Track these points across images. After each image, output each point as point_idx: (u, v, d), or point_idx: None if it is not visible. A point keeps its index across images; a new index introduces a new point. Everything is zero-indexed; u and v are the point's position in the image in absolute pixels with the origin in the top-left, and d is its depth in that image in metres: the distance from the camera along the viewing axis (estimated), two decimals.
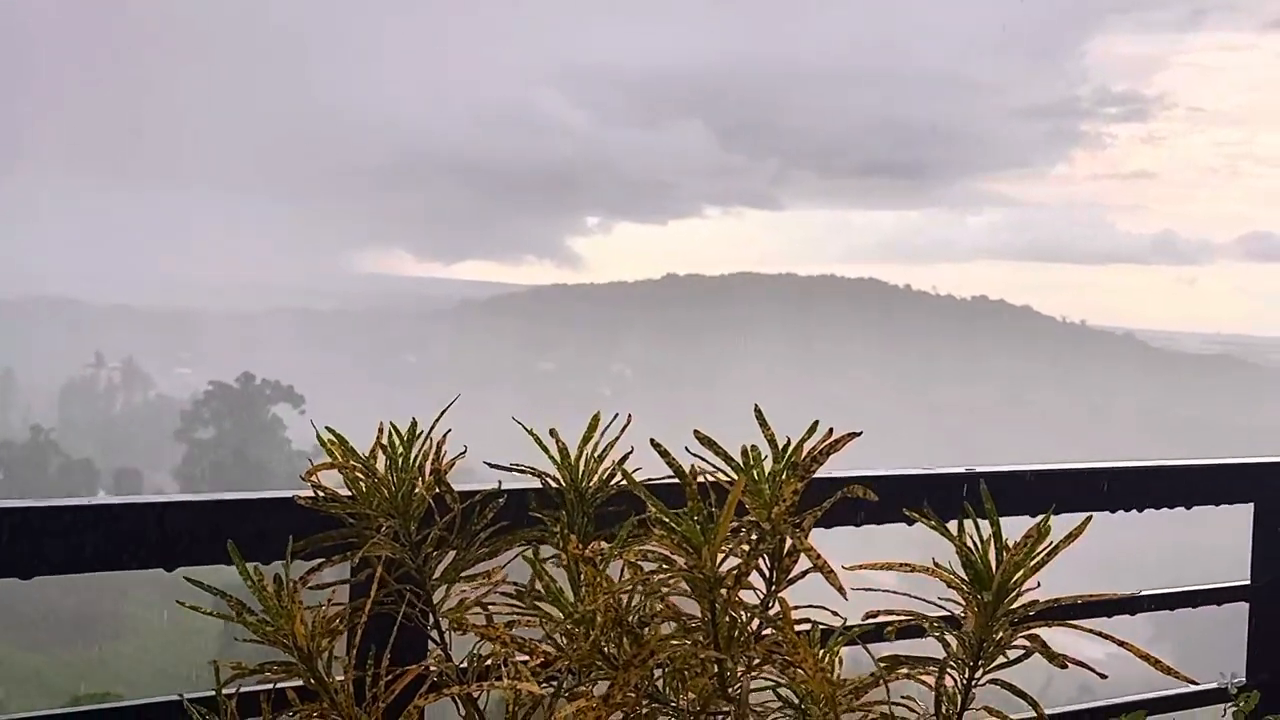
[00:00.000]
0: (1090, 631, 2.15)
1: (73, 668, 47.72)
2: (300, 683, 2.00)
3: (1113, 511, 3.29)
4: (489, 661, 2.15)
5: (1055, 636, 2.04)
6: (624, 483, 2.32)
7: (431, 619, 2.25)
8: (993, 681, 2.05)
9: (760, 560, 1.98)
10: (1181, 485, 3.60)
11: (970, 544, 1.98)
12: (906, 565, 2.10)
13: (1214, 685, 3.58)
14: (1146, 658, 2.08)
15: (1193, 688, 3.56)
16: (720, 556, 1.89)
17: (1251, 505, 3.72)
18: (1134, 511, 3.42)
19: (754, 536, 1.98)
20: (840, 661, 2.02)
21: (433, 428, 2.25)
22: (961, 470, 3.10)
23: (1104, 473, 3.46)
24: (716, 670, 1.93)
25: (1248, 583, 3.71)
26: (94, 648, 50.02)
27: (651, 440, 2.12)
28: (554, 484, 2.32)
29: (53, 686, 44.52)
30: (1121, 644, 2.12)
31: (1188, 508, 3.58)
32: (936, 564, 2.02)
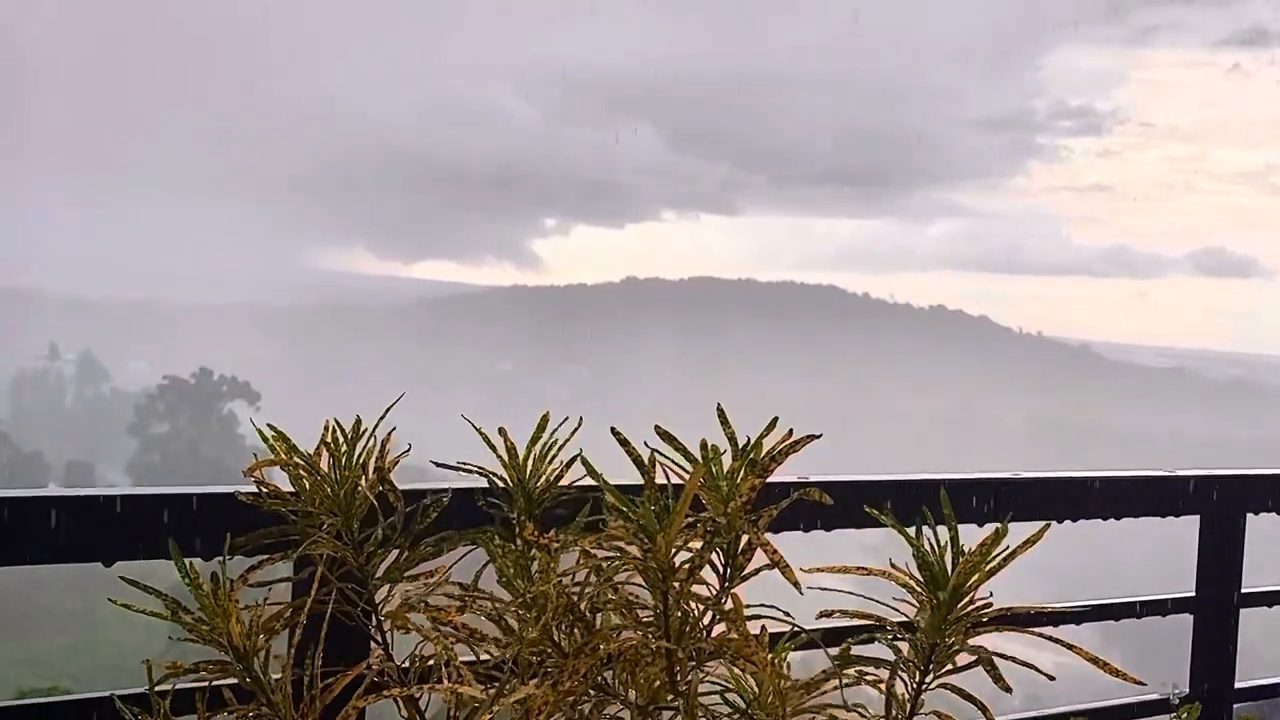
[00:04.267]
0: (1042, 637, 2.16)
1: (17, 662, 47.29)
2: (236, 682, 1.97)
3: (1060, 521, 3.30)
4: (430, 662, 2.13)
5: (1006, 645, 2.04)
6: (572, 484, 2.32)
7: (374, 619, 2.23)
8: (942, 686, 2.05)
9: (715, 556, 1.97)
10: (1128, 497, 3.63)
11: (928, 547, 1.98)
12: (863, 569, 2.10)
13: (1157, 696, 3.61)
14: (1095, 661, 2.08)
15: (1136, 699, 3.58)
16: (675, 549, 1.88)
17: (1197, 518, 3.75)
18: (1080, 521, 3.43)
19: (709, 531, 1.97)
20: (789, 665, 2.02)
21: (377, 425, 2.23)
22: (920, 477, 3.11)
23: (1052, 482, 3.47)
24: (666, 662, 1.92)
25: (1192, 594, 3.73)
26: (39, 642, 49.58)
27: (612, 429, 2.11)
28: (501, 483, 2.30)
29: None
30: (1070, 646, 2.12)
31: (1135, 518, 3.60)
32: (894, 565, 2.02)
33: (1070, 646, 2.11)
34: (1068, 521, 3.38)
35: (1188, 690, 3.67)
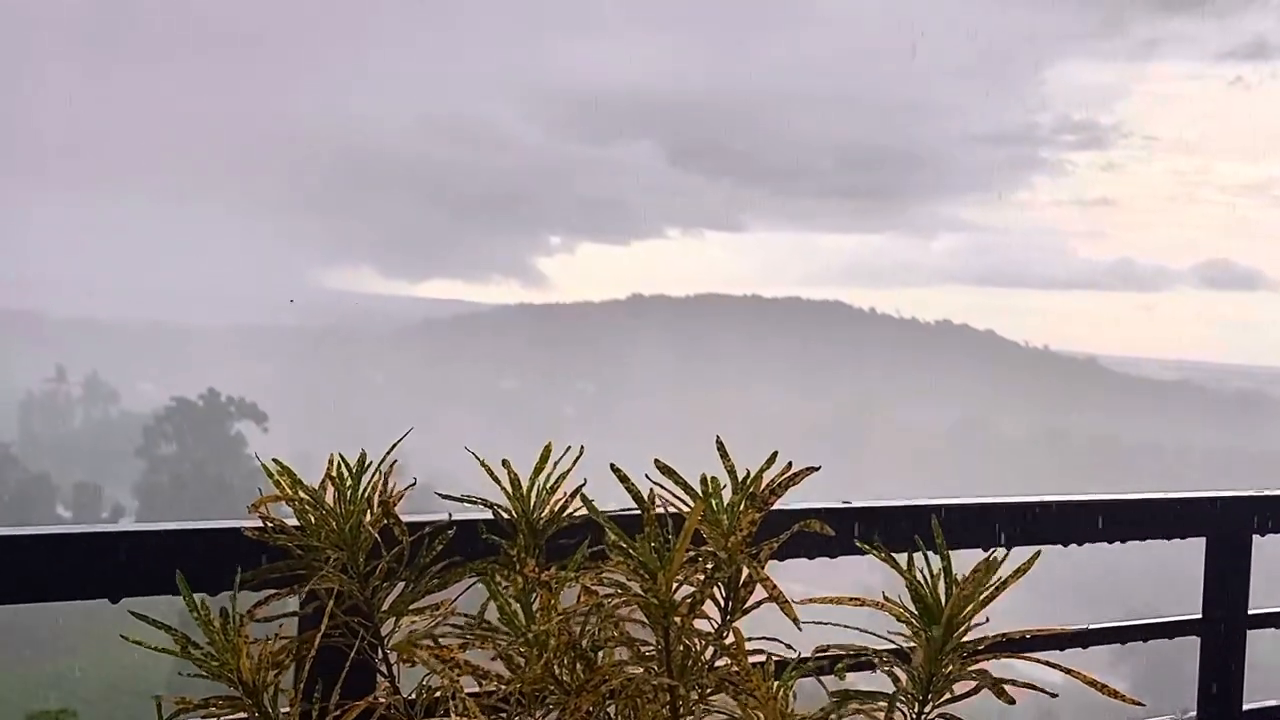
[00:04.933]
0: (1043, 663, 2.16)
1: (27, 684, 47.25)
2: (246, 716, 1.99)
3: (1064, 545, 3.31)
4: (438, 694, 2.14)
5: (1012, 666, 2.05)
6: (576, 515, 2.33)
7: (380, 652, 2.24)
8: (942, 715, 2.06)
9: (716, 590, 1.98)
10: (1135, 519, 3.62)
11: (921, 577, 1.99)
12: (856, 600, 2.10)
13: (1167, 718, 3.60)
14: (1094, 684, 2.09)
15: (1147, 719, 3.58)
16: (675, 584, 1.88)
17: (1204, 539, 3.74)
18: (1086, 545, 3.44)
19: (710, 565, 1.98)
20: (795, 696, 2.02)
21: (383, 459, 2.24)
22: (915, 502, 3.11)
23: (1056, 505, 3.47)
24: (669, 698, 1.93)
25: (1199, 616, 3.73)
26: (52, 662, 49.55)
27: (611, 465, 2.12)
28: (505, 515, 2.31)
29: (5, 702, 44.07)
30: (1068, 672, 2.12)
31: (1142, 541, 3.60)
32: (886, 597, 2.03)
33: (1069, 671, 2.12)
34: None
35: (1195, 713, 3.66)
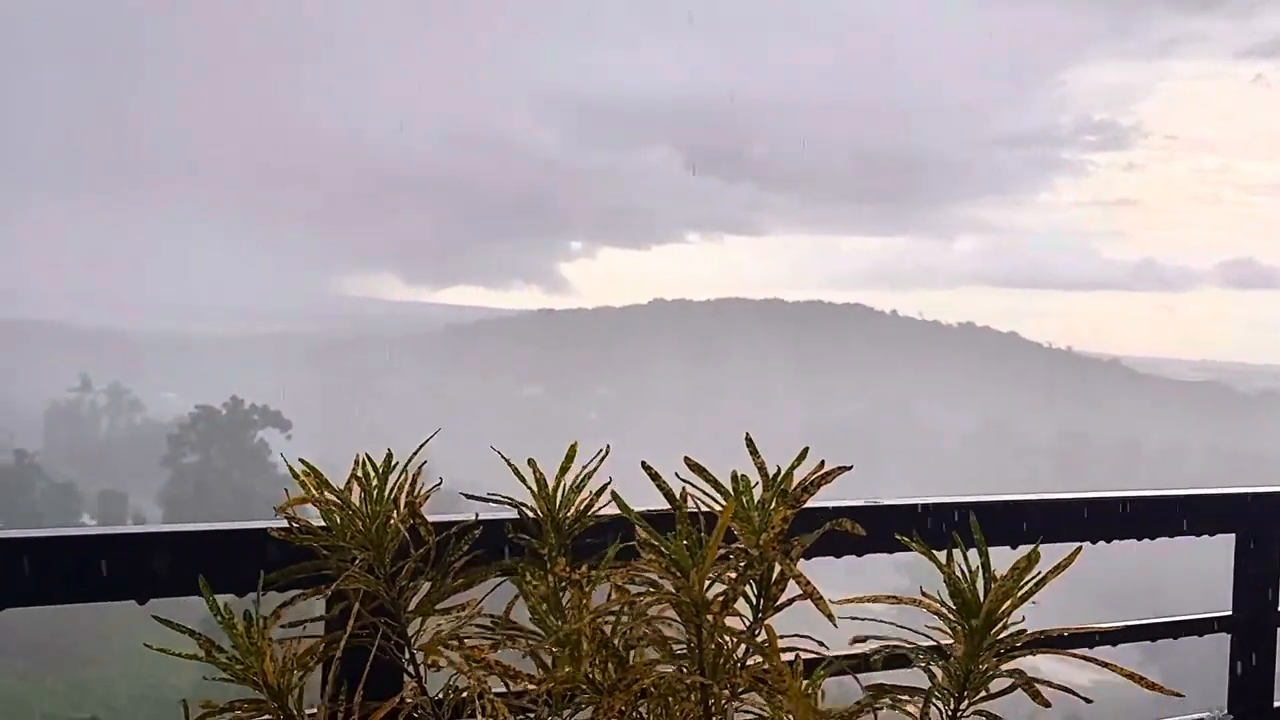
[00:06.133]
0: (1078, 657, 2.14)
1: (55, 693, 47.45)
2: (271, 718, 1.98)
3: (1093, 542, 3.28)
4: (464, 694, 2.13)
5: (1042, 664, 2.03)
6: (601, 514, 2.31)
7: (406, 652, 2.23)
8: (978, 713, 2.04)
9: (748, 588, 1.96)
10: (1163, 515, 3.60)
11: (959, 573, 1.97)
12: (894, 598, 2.09)
13: (1201, 715, 3.57)
14: (1132, 676, 2.07)
15: (1180, 719, 3.55)
16: (707, 582, 1.87)
17: (1233, 536, 3.72)
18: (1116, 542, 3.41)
19: (742, 563, 1.96)
20: (823, 694, 2.01)
21: (410, 460, 2.23)
22: (950, 500, 3.09)
23: (1084, 503, 3.45)
24: (701, 697, 1.91)
25: (1229, 614, 3.70)
26: (75, 672, 49.74)
27: (643, 463, 2.11)
28: (531, 514, 2.30)
29: (36, 712, 44.27)
30: (1105, 665, 2.11)
31: (1170, 538, 3.57)
32: (924, 593, 2.01)
33: (1106, 665, 2.10)
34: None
35: (1226, 709, 3.63)
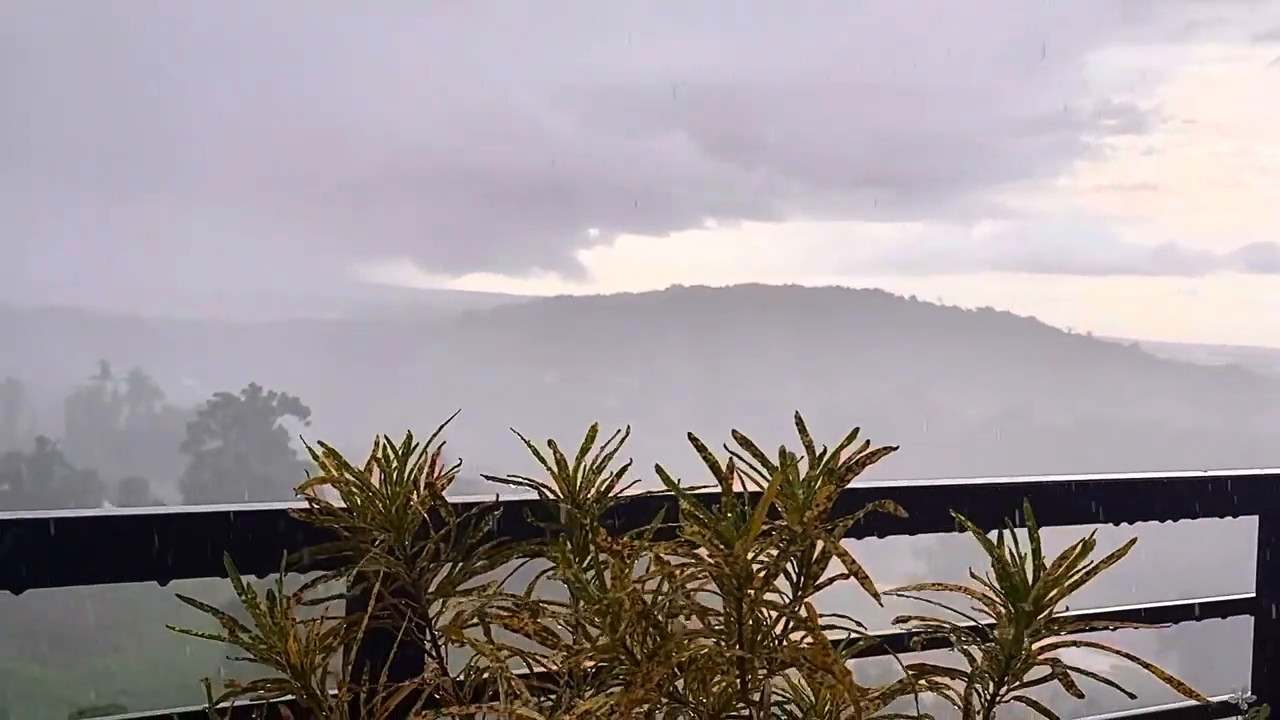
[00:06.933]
0: (1099, 647, 2.13)
1: (77, 679, 47.71)
2: (294, 699, 1.98)
3: (1115, 524, 3.27)
4: (486, 675, 2.13)
5: (1062, 651, 2.02)
6: (623, 495, 2.31)
7: (427, 633, 2.23)
8: (1018, 699, 2.04)
9: (789, 564, 1.96)
10: (1185, 498, 3.58)
11: (1008, 555, 1.97)
12: (940, 585, 2.09)
13: (1225, 698, 3.55)
14: (1149, 667, 2.06)
15: (1200, 702, 3.53)
16: (749, 556, 1.86)
17: (1257, 517, 3.70)
18: (1137, 524, 3.40)
19: (784, 540, 1.96)
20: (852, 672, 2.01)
21: (429, 441, 2.23)
22: (989, 481, 3.09)
23: (1104, 484, 3.43)
24: (739, 670, 1.91)
25: (1253, 595, 3.68)
26: (98, 658, 50.01)
27: (689, 435, 2.09)
28: (551, 495, 2.30)
29: (57, 698, 44.52)
30: (1127, 656, 2.10)
31: (1193, 520, 3.56)
32: (973, 574, 2.01)
33: (1129, 656, 2.09)
34: (1124, 525, 3.34)
35: (1250, 691, 3.62)
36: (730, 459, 1.98)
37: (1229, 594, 3.70)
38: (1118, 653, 2.09)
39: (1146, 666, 2.07)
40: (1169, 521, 3.48)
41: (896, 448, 2.07)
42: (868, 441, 2.04)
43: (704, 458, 2.02)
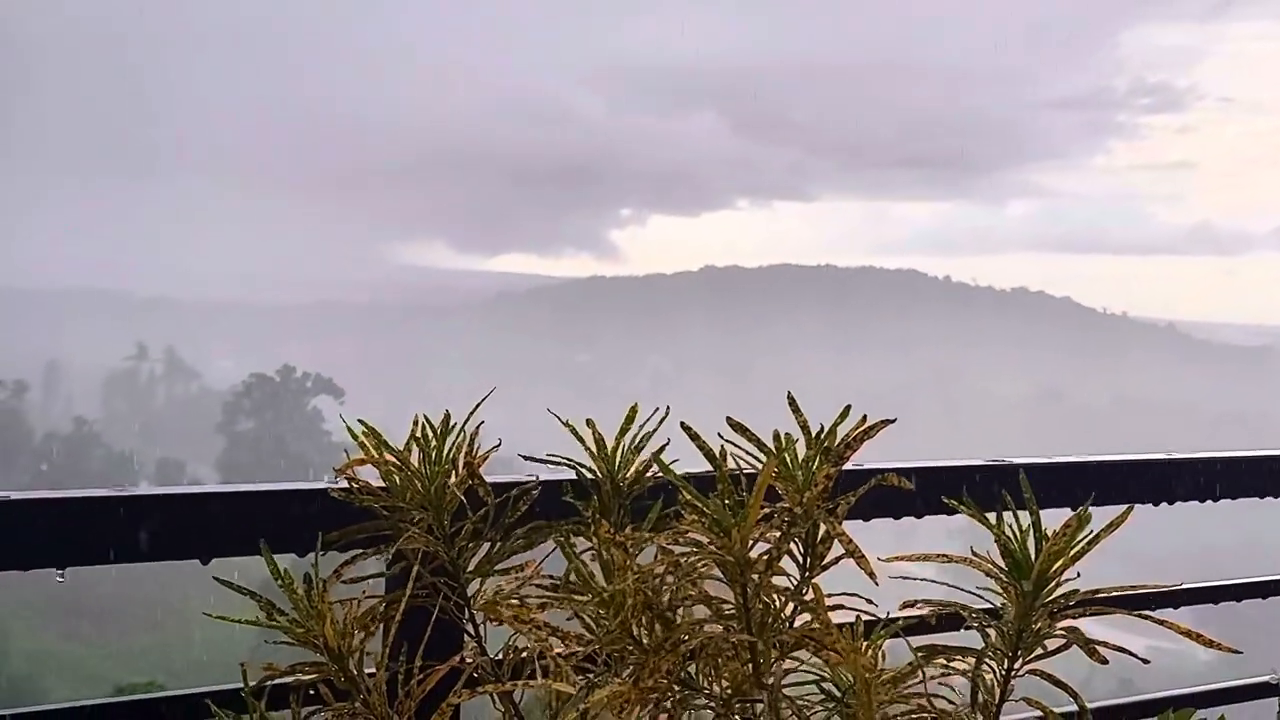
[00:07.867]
0: (1134, 615, 2.11)
1: (115, 657, 48.14)
2: (332, 681, 1.98)
3: (1155, 504, 3.24)
4: (524, 654, 2.13)
5: (1095, 631, 2.00)
6: (661, 475, 2.30)
7: (466, 612, 2.23)
8: (1032, 673, 2.02)
9: (793, 547, 1.95)
10: (1219, 477, 3.53)
11: (1010, 534, 1.95)
12: (944, 556, 2.06)
13: (1262, 679, 3.53)
14: (1189, 634, 2.04)
15: (1236, 682, 3.51)
16: (751, 541, 1.85)
17: None
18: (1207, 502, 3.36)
19: (785, 522, 1.95)
20: (884, 655, 1.99)
21: (466, 420, 2.22)
22: (1002, 461, 3.05)
23: (1144, 464, 3.40)
24: (749, 655, 1.90)
25: None
26: (136, 637, 50.43)
27: (682, 424, 2.10)
28: (590, 475, 2.29)
29: (96, 676, 44.93)
30: (1162, 622, 2.08)
31: (1233, 500, 3.52)
32: (975, 553, 1.99)
33: (1163, 622, 2.07)
34: (1162, 505, 3.31)
35: None
36: (723, 446, 1.97)
37: (1268, 574, 3.66)
38: (1160, 622, 2.07)
39: (1187, 634, 2.05)
40: (1208, 501, 3.44)
41: (895, 420, 2.05)
42: (864, 416, 2.02)
43: (697, 445, 2.02)
